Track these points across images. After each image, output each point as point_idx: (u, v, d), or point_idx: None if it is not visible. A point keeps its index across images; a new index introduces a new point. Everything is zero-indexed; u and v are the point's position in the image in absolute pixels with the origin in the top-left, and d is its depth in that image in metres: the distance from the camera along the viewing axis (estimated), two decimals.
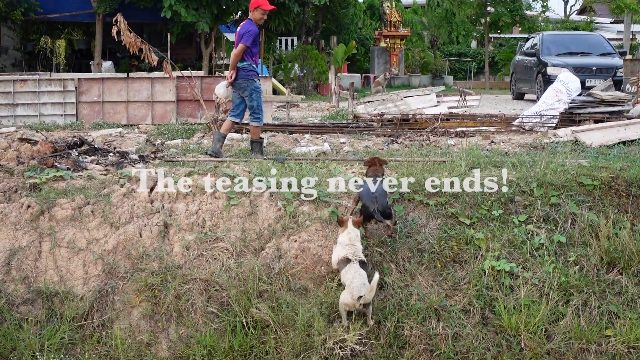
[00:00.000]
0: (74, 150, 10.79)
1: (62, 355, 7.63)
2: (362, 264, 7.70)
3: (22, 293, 7.99)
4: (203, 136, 13.68)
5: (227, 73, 11.53)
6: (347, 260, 7.70)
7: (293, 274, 8.10)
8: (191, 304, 7.90)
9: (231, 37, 32.91)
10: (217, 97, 12.88)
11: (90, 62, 28.62)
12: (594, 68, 22.13)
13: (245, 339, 7.68)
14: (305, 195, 8.75)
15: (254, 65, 11.26)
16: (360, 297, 7.38)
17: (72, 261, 8.22)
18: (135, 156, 10.98)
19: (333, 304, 7.71)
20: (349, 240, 7.85)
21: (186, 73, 17.28)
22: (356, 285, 7.42)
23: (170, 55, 19.02)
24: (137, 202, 8.72)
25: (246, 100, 11.29)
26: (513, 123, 15.07)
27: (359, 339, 7.50)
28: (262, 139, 11.53)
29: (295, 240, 8.30)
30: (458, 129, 14.55)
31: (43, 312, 7.87)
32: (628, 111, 14.47)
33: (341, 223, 8.01)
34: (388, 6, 39.45)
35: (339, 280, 7.79)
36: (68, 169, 9.54)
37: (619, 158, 10.46)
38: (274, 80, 23.91)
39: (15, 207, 8.56)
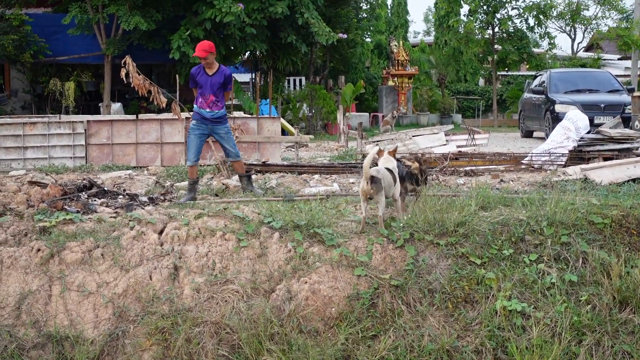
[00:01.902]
0: (84, 193, 10.81)
1: None
2: (389, 170, 9.28)
3: (33, 337, 7.94)
4: (212, 177, 13.69)
5: (235, 114, 11.71)
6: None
7: (304, 316, 8.05)
8: (202, 347, 7.85)
9: (239, 77, 33.12)
10: None
11: (100, 104, 28.73)
12: (603, 105, 22.05)
13: None
14: None
15: (196, 106, 11.61)
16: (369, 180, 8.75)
17: (82, 305, 8.19)
18: (144, 198, 11.00)
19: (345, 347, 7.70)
20: (384, 162, 9.48)
21: None
22: (366, 171, 8.79)
23: (179, 96, 19.02)
24: (147, 245, 8.69)
25: None
26: (522, 161, 15.04)
27: None
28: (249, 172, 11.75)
29: (306, 282, 8.25)
30: (467, 168, 14.52)
31: (53, 357, 7.82)
32: (637, 148, 14.44)
33: (380, 153, 9.65)
34: (395, 45, 39.66)
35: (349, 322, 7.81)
36: (78, 211, 9.56)
37: (629, 196, 10.43)
38: (282, 120, 23.97)
39: (25, 251, 8.53)
